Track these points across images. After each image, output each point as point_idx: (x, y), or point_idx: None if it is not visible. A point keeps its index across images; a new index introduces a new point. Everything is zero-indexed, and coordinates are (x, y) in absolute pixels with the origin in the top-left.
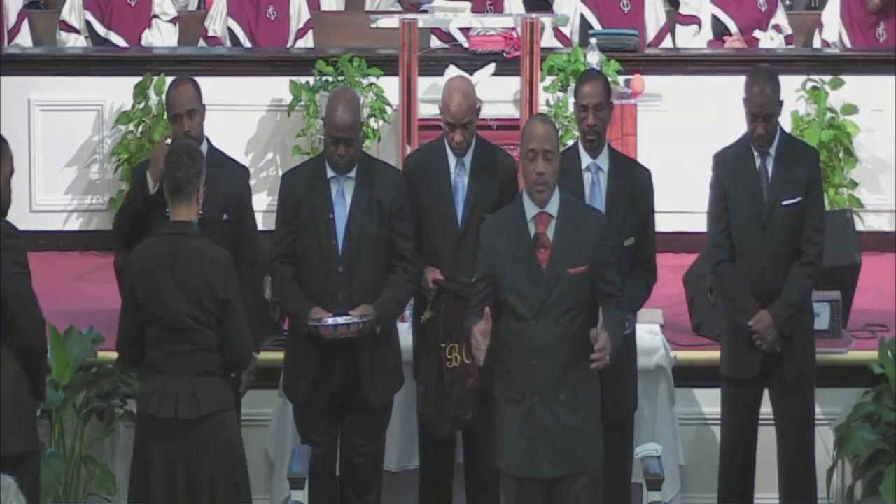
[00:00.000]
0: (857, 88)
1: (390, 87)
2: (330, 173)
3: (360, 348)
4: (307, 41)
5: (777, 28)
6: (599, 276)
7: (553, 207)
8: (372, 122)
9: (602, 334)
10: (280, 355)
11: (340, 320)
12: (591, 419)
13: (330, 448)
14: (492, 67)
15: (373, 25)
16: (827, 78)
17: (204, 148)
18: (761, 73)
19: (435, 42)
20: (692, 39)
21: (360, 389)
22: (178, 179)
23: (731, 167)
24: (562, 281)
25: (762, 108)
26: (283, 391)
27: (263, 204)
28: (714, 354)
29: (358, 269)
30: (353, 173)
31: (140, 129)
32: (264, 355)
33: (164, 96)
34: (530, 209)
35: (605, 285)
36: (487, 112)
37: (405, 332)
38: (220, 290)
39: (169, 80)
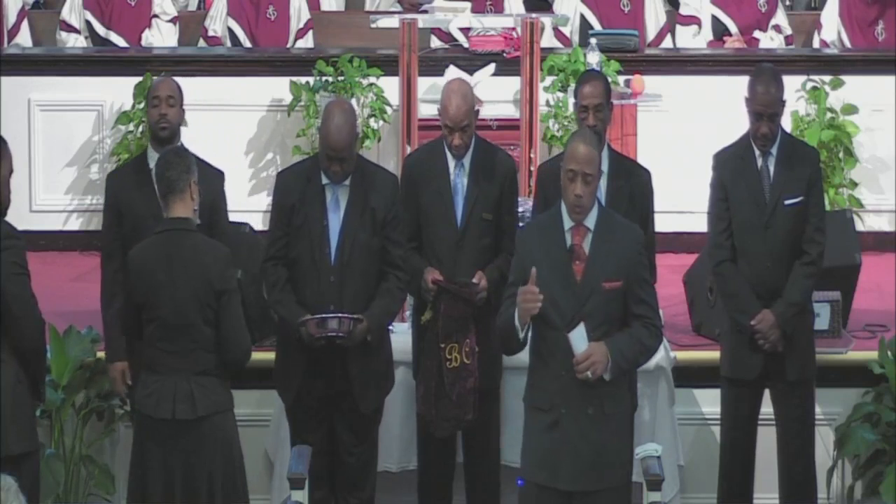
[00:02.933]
0: (857, 88)
1: (390, 87)
2: (325, 179)
3: (350, 353)
4: (307, 41)
5: (777, 28)
6: (633, 295)
7: (591, 220)
8: (372, 122)
9: (591, 346)
10: None
11: (330, 314)
12: (618, 436)
13: (323, 447)
14: (492, 67)
15: (373, 25)
16: (827, 78)
17: None
18: (765, 72)
19: (435, 42)
20: (692, 39)
21: (350, 394)
22: (169, 178)
23: (731, 167)
24: (596, 294)
25: (767, 108)
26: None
27: (263, 204)
28: (714, 354)
29: (350, 279)
30: (347, 180)
31: (140, 129)
32: (264, 355)
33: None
34: (567, 220)
35: (637, 306)
36: (487, 112)
37: (405, 333)
38: (217, 283)
39: None
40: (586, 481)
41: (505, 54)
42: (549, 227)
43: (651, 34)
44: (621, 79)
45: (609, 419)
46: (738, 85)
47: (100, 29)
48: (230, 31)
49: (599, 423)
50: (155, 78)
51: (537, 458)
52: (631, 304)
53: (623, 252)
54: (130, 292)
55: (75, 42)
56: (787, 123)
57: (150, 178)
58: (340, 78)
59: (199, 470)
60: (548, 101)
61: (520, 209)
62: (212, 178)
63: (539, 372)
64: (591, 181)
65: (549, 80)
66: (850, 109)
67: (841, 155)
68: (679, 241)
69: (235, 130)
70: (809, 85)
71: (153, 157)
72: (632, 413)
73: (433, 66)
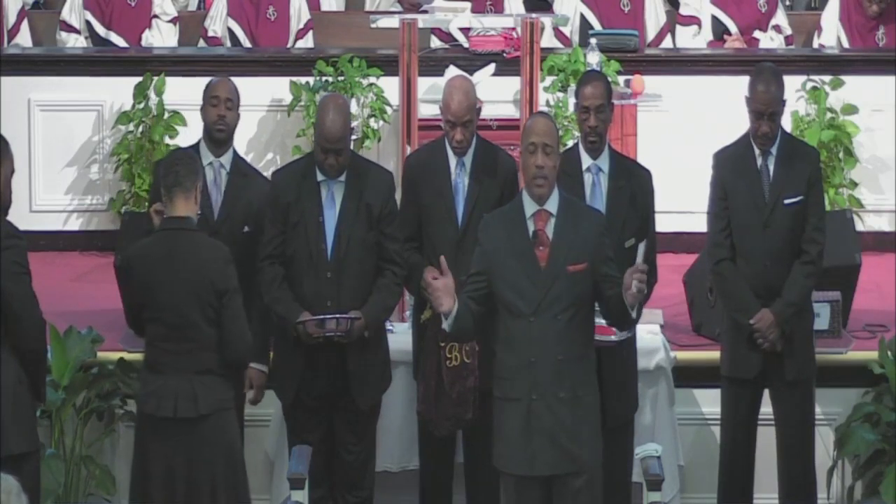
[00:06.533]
0: (857, 88)
1: (390, 87)
2: (320, 176)
3: (348, 350)
4: (307, 41)
5: (777, 28)
6: (600, 274)
7: (553, 205)
8: (372, 122)
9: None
10: None
11: (328, 315)
12: (589, 419)
13: (322, 446)
14: (492, 67)
15: (373, 25)
16: (827, 78)
17: (230, 154)
18: (766, 71)
19: (435, 42)
20: (692, 39)
21: (348, 391)
22: (178, 173)
23: (731, 166)
24: (561, 278)
25: (767, 107)
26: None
27: None
28: (714, 354)
29: (347, 275)
30: (342, 177)
31: (140, 129)
32: None
33: (204, 91)
34: (529, 207)
35: (605, 282)
36: (487, 112)
37: (405, 332)
38: (218, 282)
39: (169, 80)
40: (562, 465)
41: (505, 54)
42: (511, 215)
43: (651, 34)
44: (621, 79)
45: (580, 402)
46: (738, 85)
47: (100, 29)
48: (230, 31)
49: (572, 406)
50: (212, 78)
51: (513, 448)
52: (600, 284)
53: (586, 235)
54: (131, 291)
55: (75, 42)
56: (787, 123)
57: (204, 178)
58: (340, 78)
59: (201, 470)
60: (548, 101)
61: None
62: (260, 185)
63: (508, 362)
64: (552, 153)
65: (549, 80)
66: (850, 109)
67: (841, 155)
68: (679, 241)
69: (236, 130)
70: (809, 85)
71: (207, 157)
72: (631, 412)
73: (433, 66)
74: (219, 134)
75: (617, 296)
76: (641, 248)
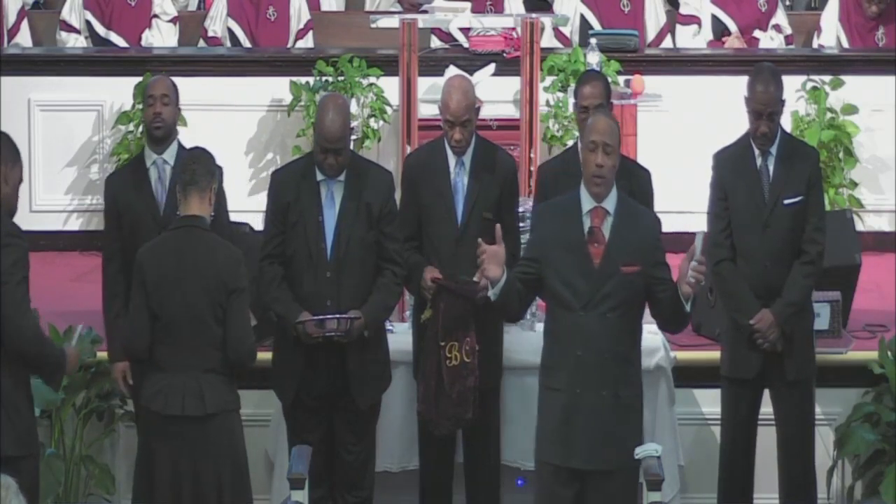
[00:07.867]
0: (857, 88)
1: (390, 87)
2: (319, 176)
3: (348, 350)
4: (307, 41)
5: (777, 28)
6: (654, 277)
7: (610, 204)
8: (372, 122)
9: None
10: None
11: (328, 315)
12: (629, 420)
13: (322, 446)
14: (492, 67)
15: (373, 25)
16: (827, 78)
17: (173, 149)
18: (764, 71)
19: (435, 42)
20: (692, 39)
21: (348, 391)
22: (195, 171)
23: (731, 166)
24: (614, 277)
25: (766, 107)
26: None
27: (263, 204)
28: (714, 354)
29: (346, 274)
30: (342, 176)
31: (140, 129)
32: (263, 355)
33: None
34: (587, 202)
35: (659, 285)
36: (487, 112)
37: (405, 332)
38: (230, 282)
39: None
40: (600, 461)
41: (505, 54)
42: (568, 208)
43: (651, 34)
44: (621, 79)
45: (621, 402)
46: (738, 85)
47: (100, 29)
48: (230, 31)
49: (613, 405)
50: (151, 77)
51: (552, 438)
52: (653, 287)
53: (643, 237)
54: (139, 290)
55: (75, 42)
56: (787, 123)
57: (148, 179)
58: (340, 78)
59: (207, 470)
60: (548, 101)
61: (520, 209)
62: None
63: (554, 353)
64: (612, 152)
65: (549, 80)
66: (850, 109)
67: (841, 155)
68: (679, 241)
69: (235, 130)
70: (809, 85)
71: (150, 157)
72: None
73: (433, 66)
74: (156, 131)
75: (669, 297)
76: (700, 236)
